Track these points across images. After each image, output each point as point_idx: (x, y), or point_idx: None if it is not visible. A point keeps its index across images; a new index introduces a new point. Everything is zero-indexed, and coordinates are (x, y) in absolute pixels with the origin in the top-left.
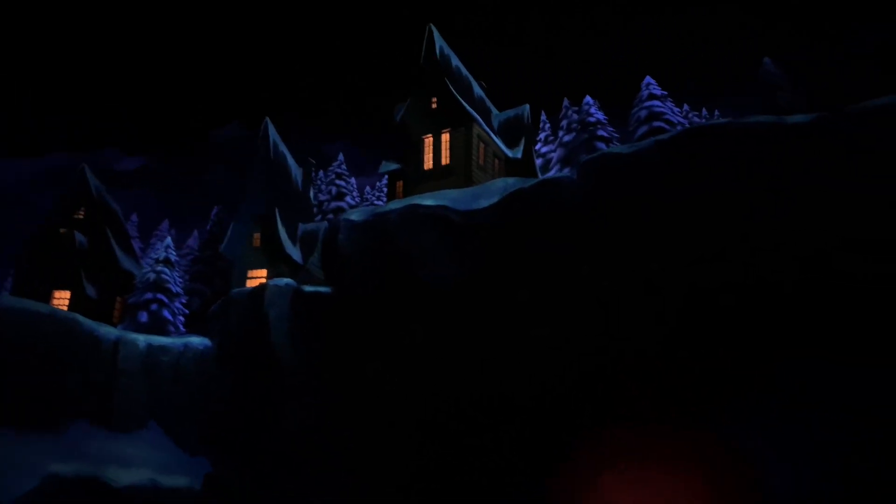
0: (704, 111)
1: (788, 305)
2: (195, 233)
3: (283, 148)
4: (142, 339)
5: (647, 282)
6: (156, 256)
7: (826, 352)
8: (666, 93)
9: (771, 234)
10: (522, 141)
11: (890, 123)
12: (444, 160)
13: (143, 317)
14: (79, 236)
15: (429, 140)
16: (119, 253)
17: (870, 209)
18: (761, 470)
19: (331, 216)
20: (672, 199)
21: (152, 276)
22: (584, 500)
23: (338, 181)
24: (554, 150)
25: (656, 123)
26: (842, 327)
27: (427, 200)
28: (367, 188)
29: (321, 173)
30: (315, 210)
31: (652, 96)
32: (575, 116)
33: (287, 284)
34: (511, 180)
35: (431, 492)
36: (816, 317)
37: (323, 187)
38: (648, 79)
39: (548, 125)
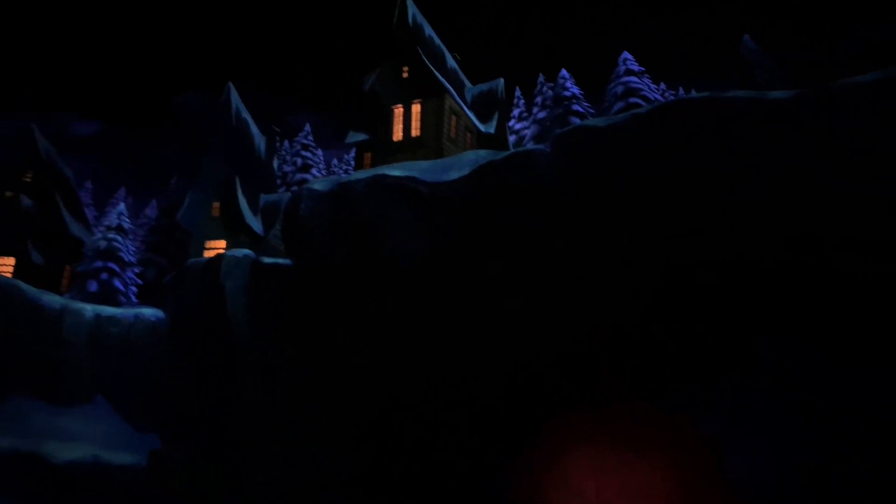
0: (681, 90)
1: (769, 283)
2: (153, 202)
3: (245, 114)
4: (89, 308)
5: (623, 256)
6: (108, 224)
7: (807, 333)
8: (643, 69)
9: (751, 211)
10: (496, 116)
11: (874, 101)
12: (415, 132)
13: (93, 286)
14: (25, 200)
15: (399, 111)
16: (69, 219)
17: (853, 188)
18: (725, 455)
19: (295, 188)
20: (648, 174)
21: (103, 243)
22: (547, 481)
23: (304, 152)
24: (528, 127)
25: (633, 100)
26: (823, 307)
27: (395, 171)
28: (335, 161)
29: (286, 144)
30: (279, 182)
31: (629, 72)
32: (550, 93)
33: (245, 255)
34: (483, 153)
35: (397, 470)
36: (797, 296)
37: (288, 158)
38: (626, 54)
39: (522, 102)
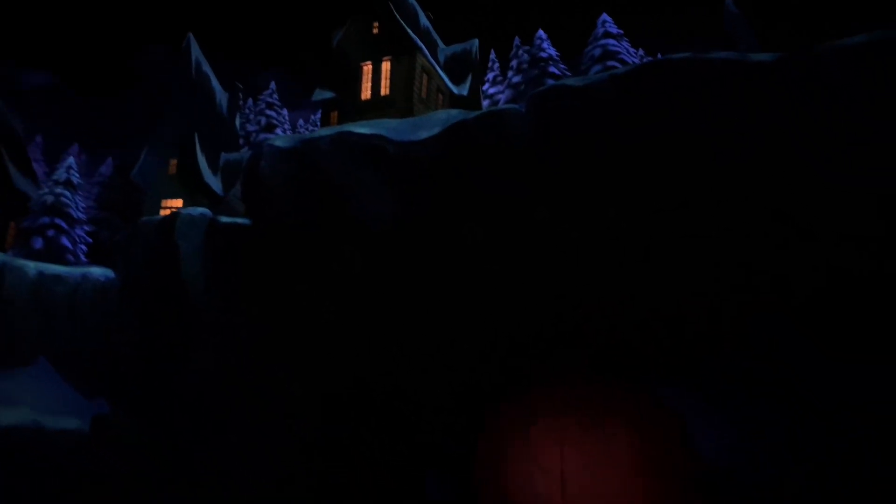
0: (660, 56)
1: (759, 261)
2: (109, 160)
3: (206, 68)
4: (32, 266)
5: (608, 229)
6: (56, 178)
7: (792, 313)
8: (622, 32)
9: (737, 182)
10: (469, 78)
11: (863, 64)
12: (384, 90)
13: (38, 243)
14: None
15: (368, 68)
16: (14, 173)
17: (841, 155)
18: (690, 431)
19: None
20: (628, 139)
21: (50, 198)
22: (512, 454)
23: (268, 111)
24: (502, 91)
25: (610, 63)
26: (812, 286)
27: (361, 128)
28: (301, 122)
29: (250, 102)
30: (242, 142)
31: (608, 34)
32: (526, 57)
33: (202, 214)
34: (454, 112)
35: (366, 442)
36: (788, 272)
37: (252, 117)
38: (605, 16)
39: (497, 66)
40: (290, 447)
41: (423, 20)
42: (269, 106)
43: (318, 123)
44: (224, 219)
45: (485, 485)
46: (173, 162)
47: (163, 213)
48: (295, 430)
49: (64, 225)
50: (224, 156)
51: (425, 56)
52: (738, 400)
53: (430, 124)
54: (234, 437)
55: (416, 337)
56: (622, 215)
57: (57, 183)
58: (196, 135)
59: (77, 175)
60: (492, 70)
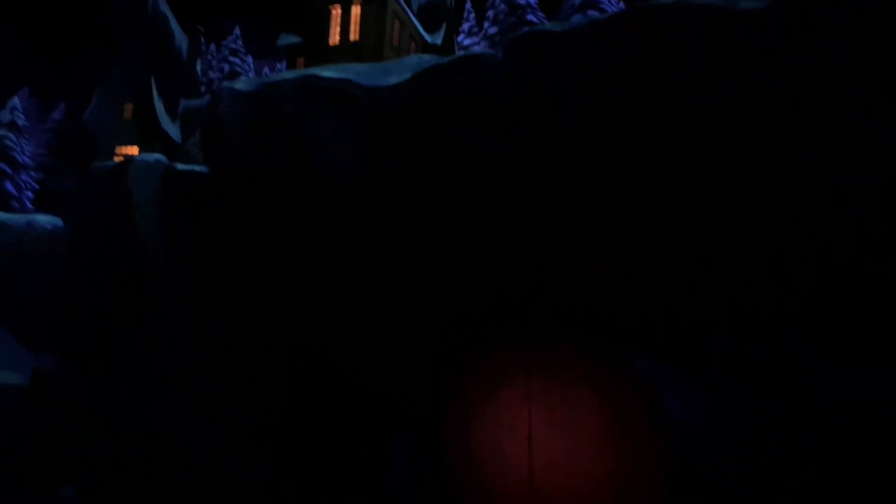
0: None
1: (752, 231)
2: (62, 105)
3: (164, 8)
4: None
5: (590, 183)
6: None
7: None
8: None
9: (725, 135)
10: (443, 27)
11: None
12: (353, 35)
13: None
14: None
15: (337, 11)
16: None
17: (836, 108)
18: (662, 401)
19: None
20: (612, 91)
21: None
22: (480, 417)
23: (232, 58)
24: (478, 43)
25: (591, 12)
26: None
27: (327, 73)
28: (266, 70)
29: (213, 48)
30: (203, 89)
31: None
32: (503, 7)
33: (157, 161)
34: (427, 57)
35: (328, 408)
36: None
37: (214, 64)
38: None
39: (473, 16)
40: (249, 410)
41: None
42: (233, 52)
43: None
44: (181, 166)
45: (452, 447)
46: (128, 107)
47: (116, 160)
48: (255, 393)
49: (8, 169)
50: (183, 102)
51: (398, 1)
52: (713, 376)
53: (400, 69)
54: (189, 397)
55: (384, 298)
56: (605, 167)
57: (0, 125)
58: (153, 79)
59: (22, 117)
60: (467, 20)
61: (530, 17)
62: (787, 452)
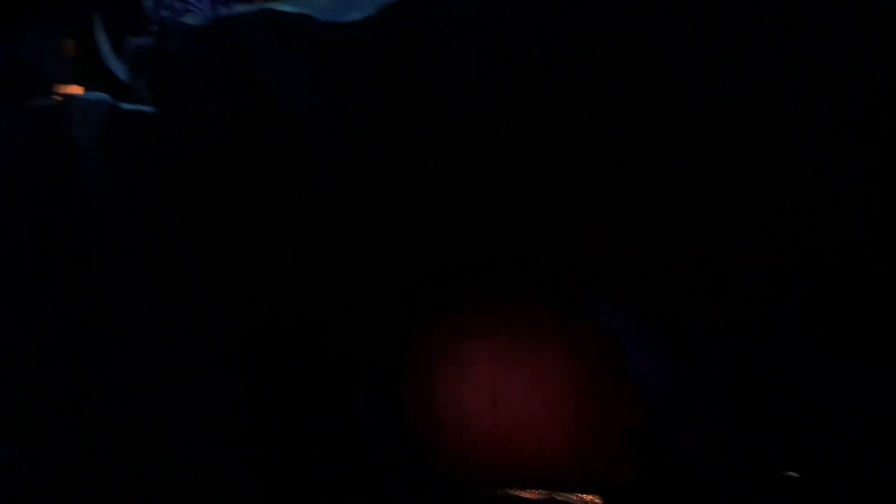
0: None
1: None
2: None
3: None
4: None
5: (579, 138)
6: None
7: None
8: None
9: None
10: None
11: None
12: None
13: None
14: None
15: None
16: None
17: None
18: (631, 356)
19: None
20: (595, 32)
21: None
22: (441, 372)
23: None
24: None
25: None
26: None
27: (285, 6)
28: (222, 9)
29: None
30: (153, 27)
31: None
32: None
33: (100, 100)
34: None
35: (283, 365)
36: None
37: (166, 2)
38: None
39: None
40: (203, 365)
41: None
42: None
43: None
44: (127, 105)
45: (413, 403)
46: (70, 43)
47: (56, 100)
48: (211, 349)
49: None
50: (132, 41)
51: None
52: (685, 336)
53: (365, 3)
54: (140, 354)
55: (349, 248)
56: (593, 121)
57: None
58: (98, 12)
59: None
60: None
61: None
62: (756, 416)
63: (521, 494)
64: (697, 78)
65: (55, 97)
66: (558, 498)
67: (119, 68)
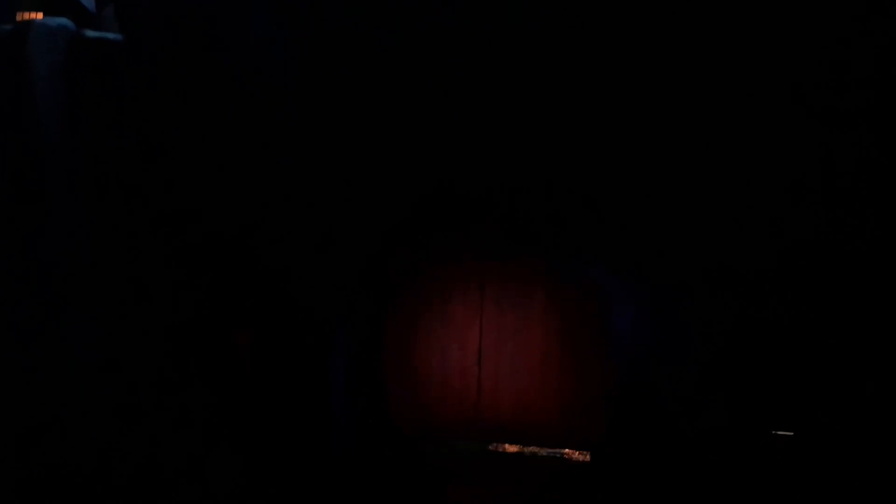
0: None
1: None
2: None
3: None
4: None
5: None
6: None
7: None
8: None
9: None
10: None
11: None
12: None
13: None
14: None
15: None
16: None
17: None
18: (613, 309)
19: None
20: None
21: None
22: (423, 330)
23: None
24: None
25: None
26: None
27: None
28: None
29: None
30: None
31: None
32: None
33: (61, 26)
34: None
35: (257, 333)
36: None
37: None
38: None
39: None
40: (159, 315)
41: None
42: None
43: None
44: (91, 33)
45: (394, 365)
46: None
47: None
48: (168, 295)
49: None
50: None
51: None
52: (668, 289)
53: None
54: (94, 297)
55: (320, 191)
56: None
57: None
58: None
59: None
60: None
61: None
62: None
63: (506, 449)
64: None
65: (15, 22)
66: (541, 453)
67: None
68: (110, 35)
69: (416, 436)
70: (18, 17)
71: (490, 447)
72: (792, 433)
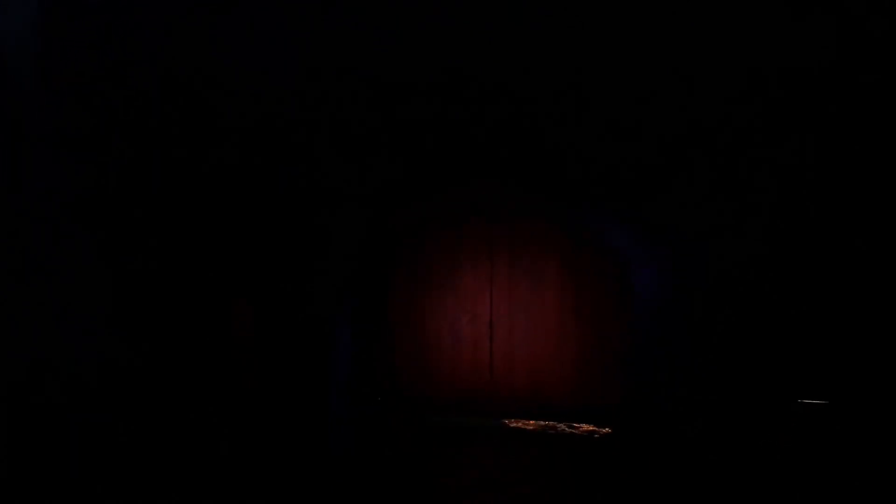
0: None
1: None
2: None
3: None
4: None
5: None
6: None
7: None
8: None
9: None
10: None
11: None
12: None
13: None
14: None
15: None
16: None
17: None
18: (632, 271)
19: None
20: None
21: None
22: (432, 297)
23: None
24: None
25: None
26: None
27: None
28: None
29: None
30: None
31: None
32: None
33: None
34: None
35: (257, 299)
36: None
37: None
38: None
39: None
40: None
41: None
42: None
43: None
44: None
45: (402, 334)
46: None
47: None
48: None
49: None
50: None
51: None
52: (690, 244)
53: None
54: (66, 244)
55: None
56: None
57: None
58: None
59: None
60: None
61: None
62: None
63: (519, 425)
64: None
65: None
66: (558, 427)
67: None
68: None
69: (426, 408)
70: None
71: (504, 421)
72: (826, 401)
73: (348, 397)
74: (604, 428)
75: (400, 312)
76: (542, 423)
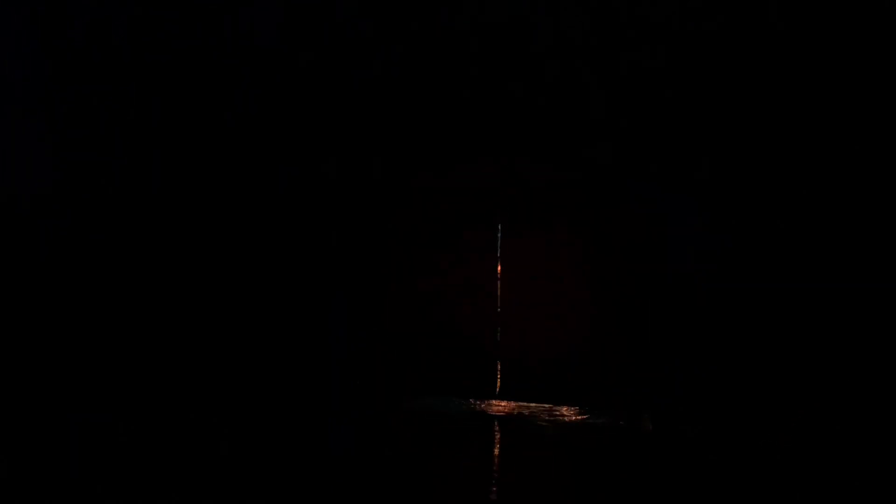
0: None
1: None
2: None
3: None
4: None
5: None
6: None
7: None
8: None
9: None
10: None
11: None
12: None
13: None
14: None
15: None
16: None
17: None
18: (669, 234)
19: None
20: None
21: None
22: (437, 260)
23: None
24: None
25: None
26: None
27: None
28: None
29: None
30: None
31: None
32: None
33: None
34: None
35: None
36: None
37: None
38: None
39: None
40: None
41: None
42: None
43: None
44: None
45: (400, 301)
46: None
47: None
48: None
49: None
50: None
51: None
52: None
53: None
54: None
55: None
56: None
57: None
58: None
59: None
60: None
61: None
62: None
63: (531, 411)
64: None
65: None
66: (573, 416)
67: None
68: None
69: (424, 393)
70: None
71: (507, 414)
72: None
73: (348, 397)
74: (613, 422)
75: (397, 279)
76: (548, 417)
